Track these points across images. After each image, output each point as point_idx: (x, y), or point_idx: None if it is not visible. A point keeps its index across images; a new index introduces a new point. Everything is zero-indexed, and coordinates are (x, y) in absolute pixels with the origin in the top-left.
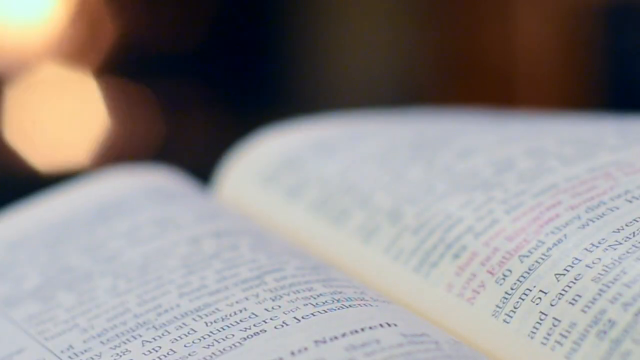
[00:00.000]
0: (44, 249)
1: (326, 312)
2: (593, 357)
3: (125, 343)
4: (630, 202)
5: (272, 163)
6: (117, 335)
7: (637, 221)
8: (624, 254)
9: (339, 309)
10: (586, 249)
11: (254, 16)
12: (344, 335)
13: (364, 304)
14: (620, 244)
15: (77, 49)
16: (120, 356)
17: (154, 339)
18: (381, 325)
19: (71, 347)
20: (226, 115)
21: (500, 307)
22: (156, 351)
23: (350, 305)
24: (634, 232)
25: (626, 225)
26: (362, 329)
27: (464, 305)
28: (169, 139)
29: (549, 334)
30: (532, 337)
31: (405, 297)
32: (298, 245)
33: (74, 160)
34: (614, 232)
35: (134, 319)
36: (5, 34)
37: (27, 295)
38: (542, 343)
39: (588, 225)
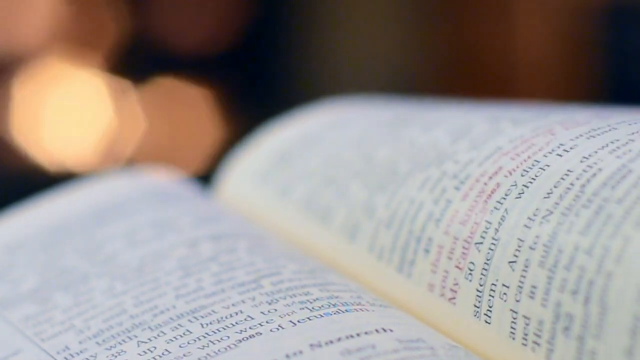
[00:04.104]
0: (42, 251)
1: (322, 316)
2: (567, 358)
3: (121, 344)
4: (561, 156)
5: (267, 161)
6: (113, 336)
7: (563, 180)
8: (556, 227)
9: (335, 313)
10: (525, 226)
11: (254, 16)
12: (339, 339)
13: (360, 309)
14: (552, 212)
15: (82, 47)
16: (116, 357)
17: (149, 339)
18: (377, 330)
19: (67, 347)
20: (227, 116)
21: (477, 307)
22: (151, 351)
23: (346, 310)
24: (560, 195)
25: (554, 187)
26: (358, 334)
27: (447, 306)
28: (170, 139)
29: (525, 334)
30: (513, 338)
31: (396, 302)
32: (294, 246)
33: (78, 157)
34: (544, 198)
35: (130, 320)
36: (11, 31)
37: (24, 296)
38: (523, 344)
39: (523, 192)
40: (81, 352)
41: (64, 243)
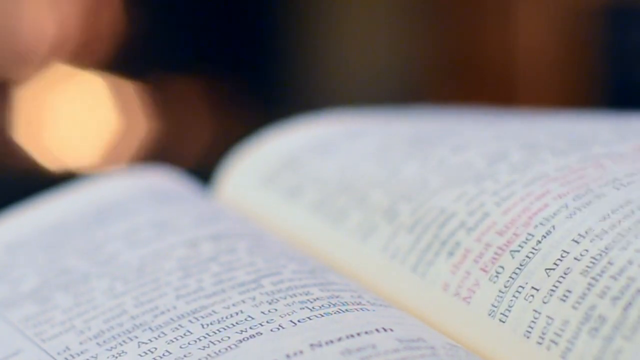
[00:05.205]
0: (42, 251)
1: (322, 316)
2: (587, 356)
3: (121, 344)
4: (618, 189)
5: (271, 164)
6: (113, 337)
7: (622, 208)
8: (610, 244)
9: (335, 313)
10: (574, 240)
11: (254, 16)
12: (339, 339)
13: (361, 308)
14: (607, 232)
15: (84, 48)
16: (117, 357)
17: (150, 340)
18: (377, 330)
19: (68, 348)
20: (228, 116)
21: (495, 306)
22: (152, 352)
23: (346, 310)
24: (619, 220)
25: (612, 212)
26: (358, 334)
27: (460, 305)
28: (170, 139)
29: (543, 333)
30: (528, 337)
31: (403, 299)
32: (298, 246)
33: (81, 159)
34: (600, 220)
35: (131, 321)
36: (14, 34)
37: (25, 296)
38: (538, 343)
39: (575, 214)
40: (82, 352)
41: (64, 243)
